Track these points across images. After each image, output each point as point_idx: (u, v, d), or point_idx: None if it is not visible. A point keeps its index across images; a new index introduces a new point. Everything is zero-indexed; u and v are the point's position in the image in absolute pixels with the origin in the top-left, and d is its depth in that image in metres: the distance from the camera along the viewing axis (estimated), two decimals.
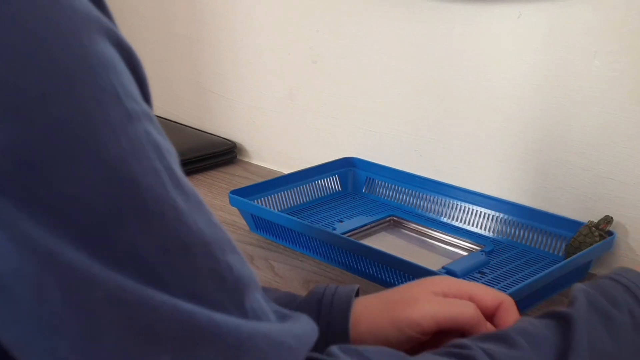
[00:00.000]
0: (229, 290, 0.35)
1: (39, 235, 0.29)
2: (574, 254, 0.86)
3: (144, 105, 0.34)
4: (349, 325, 0.55)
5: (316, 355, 0.40)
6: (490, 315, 0.56)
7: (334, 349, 0.43)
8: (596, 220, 0.90)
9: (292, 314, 0.41)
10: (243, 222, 1.04)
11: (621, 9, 0.85)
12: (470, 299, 0.57)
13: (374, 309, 0.56)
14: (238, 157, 1.41)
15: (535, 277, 0.78)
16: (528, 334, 0.49)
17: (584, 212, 0.94)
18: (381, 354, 0.45)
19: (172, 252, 0.32)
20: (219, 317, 0.33)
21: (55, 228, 0.30)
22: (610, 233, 0.89)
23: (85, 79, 0.31)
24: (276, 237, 1.00)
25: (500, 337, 0.49)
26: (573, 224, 0.92)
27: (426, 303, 0.55)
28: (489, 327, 0.55)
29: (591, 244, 0.87)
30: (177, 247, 0.33)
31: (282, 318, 0.39)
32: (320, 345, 0.42)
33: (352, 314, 0.56)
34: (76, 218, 0.30)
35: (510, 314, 0.56)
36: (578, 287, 0.54)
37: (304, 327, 0.39)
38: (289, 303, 0.60)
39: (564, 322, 0.51)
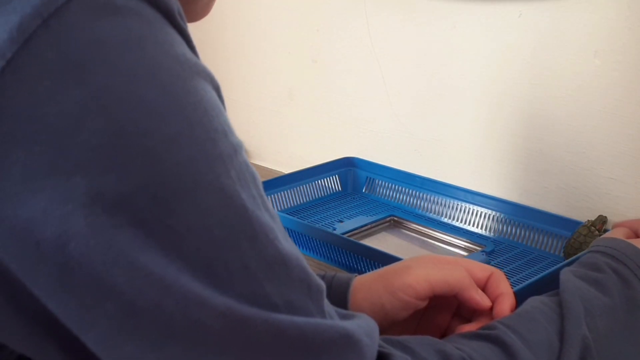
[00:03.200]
0: (313, 297, 0.38)
1: (159, 265, 0.33)
2: (574, 254, 0.85)
3: (238, 137, 0.38)
4: (348, 305, 0.57)
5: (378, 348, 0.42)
6: (481, 287, 0.58)
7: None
8: (592, 221, 0.90)
9: (352, 312, 0.43)
10: None
11: (621, 9, 0.85)
12: None
13: (370, 279, 0.59)
14: None
15: (536, 277, 0.78)
16: (541, 312, 0.54)
17: (584, 212, 0.94)
18: (420, 343, 0.47)
19: (275, 267, 0.36)
20: (310, 323, 0.37)
21: (177, 258, 0.33)
22: (606, 232, 0.89)
23: (202, 121, 0.35)
24: None
25: (521, 315, 0.53)
26: (573, 224, 0.92)
27: (419, 268, 0.57)
28: (480, 292, 0.57)
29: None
30: (279, 261, 0.36)
31: (344, 317, 0.42)
32: None
33: (349, 294, 0.58)
34: (196, 245, 0.34)
35: (500, 284, 0.58)
36: (562, 270, 0.59)
37: (370, 325, 0.42)
38: None
39: (555, 295, 0.56)
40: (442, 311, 0.60)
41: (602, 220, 0.89)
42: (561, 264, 0.81)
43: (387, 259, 0.84)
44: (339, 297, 0.57)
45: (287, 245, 0.37)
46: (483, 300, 0.56)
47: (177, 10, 0.37)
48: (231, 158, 0.36)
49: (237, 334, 0.34)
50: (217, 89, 0.38)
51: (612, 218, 0.91)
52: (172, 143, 0.33)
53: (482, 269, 0.59)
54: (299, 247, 0.97)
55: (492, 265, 0.91)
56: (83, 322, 0.33)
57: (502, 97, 1.00)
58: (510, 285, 0.59)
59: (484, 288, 0.58)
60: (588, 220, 0.90)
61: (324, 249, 0.93)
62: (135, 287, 0.32)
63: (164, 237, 0.33)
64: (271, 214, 0.38)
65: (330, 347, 0.37)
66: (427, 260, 0.59)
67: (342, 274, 0.60)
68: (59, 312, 0.34)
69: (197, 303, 0.33)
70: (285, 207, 1.10)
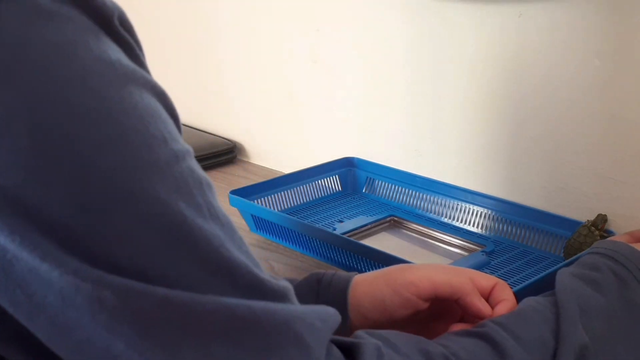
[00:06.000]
0: (269, 299, 0.37)
1: (87, 270, 0.32)
2: (574, 254, 0.85)
3: (185, 144, 0.37)
4: (347, 301, 0.57)
5: (341, 338, 0.42)
6: (485, 296, 0.58)
7: (360, 332, 0.45)
8: (592, 220, 0.90)
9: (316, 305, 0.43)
10: (243, 222, 1.04)
11: (622, 9, 0.85)
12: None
13: (372, 276, 0.59)
14: (238, 157, 1.41)
15: (537, 277, 0.78)
16: (534, 310, 0.54)
17: (584, 212, 0.94)
18: (403, 338, 0.47)
19: (219, 275, 0.35)
20: (258, 305, 0.36)
21: (107, 265, 0.32)
22: (607, 232, 0.89)
23: (136, 127, 0.34)
24: (276, 237, 1.00)
25: (514, 313, 0.53)
26: (573, 224, 0.92)
27: (423, 269, 0.57)
28: (482, 300, 0.57)
29: (592, 244, 0.86)
30: (223, 269, 0.35)
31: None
32: None
33: (349, 289, 0.58)
34: (128, 253, 0.33)
35: (504, 292, 0.58)
36: (559, 271, 0.59)
37: (328, 312, 0.42)
38: None
39: (551, 295, 0.56)
40: (445, 320, 0.59)
41: (603, 220, 0.89)
42: (561, 264, 0.81)
43: (387, 259, 0.84)
44: (339, 292, 0.58)
45: (237, 253, 0.36)
46: (485, 308, 0.56)
47: (118, 17, 0.36)
48: (170, 165, 0.35)
49: (183, 319, 0.34)
50: (159, 96, 0.37)
51: (612, 218, 0.91)
52: (101, 148, 0.32)
53: (487, 279, 0.59)
54: (299, 247, 0.97)
55: (492, 265, 0.91)
56: (26, 316, 0.33)
57: (502, 97, 1.00)
58: (514, 294, 0.59)
59: (488, 297, 0.58)
60: (588, 220, 0.90)
61: (324, 249, 0.93)
62: (64, 292, 0.32)
63: (92, 245, 0.32)
64: (220, 222, 0.37)
65: (279, 327, 0.36)
66: (432, 265, 0.59)
67: (343, 272, 0.61)
68: (4, 305, 0.34)
69: (135, 292, 0.33)
70: (285, 207, 1.10)
